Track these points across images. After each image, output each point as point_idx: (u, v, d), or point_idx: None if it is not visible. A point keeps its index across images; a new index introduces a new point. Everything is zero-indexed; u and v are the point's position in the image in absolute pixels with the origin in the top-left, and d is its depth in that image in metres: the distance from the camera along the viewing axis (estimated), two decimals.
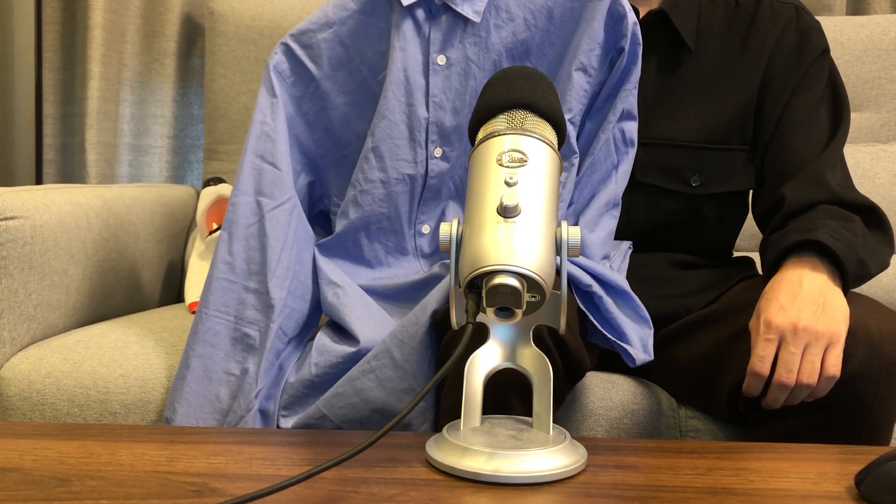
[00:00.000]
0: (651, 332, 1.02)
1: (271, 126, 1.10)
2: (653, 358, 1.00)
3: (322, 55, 1.13)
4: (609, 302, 0.99)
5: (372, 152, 1.10)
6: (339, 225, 1.13)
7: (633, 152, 1.10)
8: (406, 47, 1.09)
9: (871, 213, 1.03)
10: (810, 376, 0.87)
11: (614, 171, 1.09)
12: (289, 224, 1.07)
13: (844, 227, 0.97)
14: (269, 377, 1.02)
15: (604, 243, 1.07)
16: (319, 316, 1.12)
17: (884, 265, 1.01)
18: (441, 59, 1.09)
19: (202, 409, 1.01)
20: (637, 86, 1.08)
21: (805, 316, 0.88)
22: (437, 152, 1.11)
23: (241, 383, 1.01)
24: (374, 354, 0.99)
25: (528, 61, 1.10)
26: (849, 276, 0.94)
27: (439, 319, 0.97)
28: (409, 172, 1.10)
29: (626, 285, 1.02)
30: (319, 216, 1.21)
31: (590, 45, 1.06)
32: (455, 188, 1.13)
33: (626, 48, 1.05)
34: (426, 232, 1.14)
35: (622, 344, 0.98)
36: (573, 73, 1.06)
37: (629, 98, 1.08)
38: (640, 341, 1.00)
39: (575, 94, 1.06)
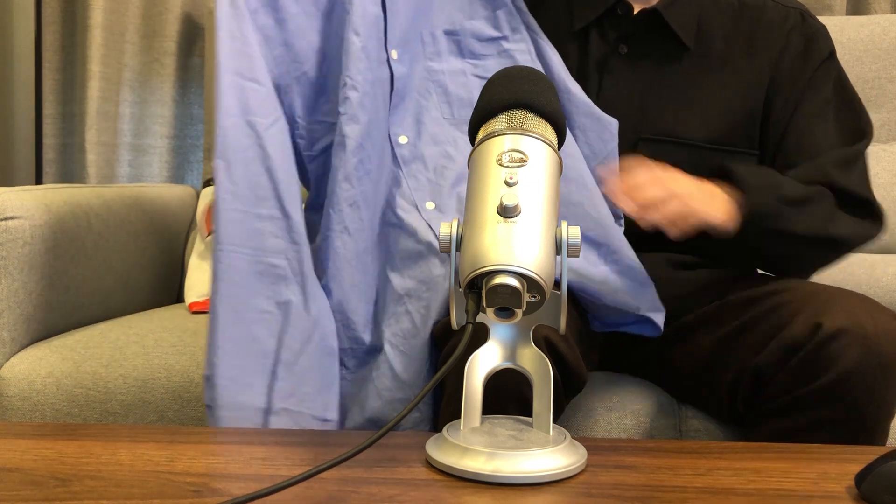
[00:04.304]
0: (654, 288, 1.03)
1: (241, 39, 0.99)
2: (664, 311, 1.02)
3: None
4: (604, 292, 0.99)
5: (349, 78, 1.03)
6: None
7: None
8: None
9: (857, 201, 1.03)
10: (653, 200, 0.89)
11: None
12: (286, 143, 1.00)
13: (796, 185, 1.00)
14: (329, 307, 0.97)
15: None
16: None
17: (840, 235, 1.04)
18: None
19: (242, 355, 0.91)
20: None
21: (688, 190, 0.92)
22: (394, 54, 1.08)
23: (285, 316, 0.93)
24: (374, 364, 0.99)
25: None
26: (751, 203, 0.97)
27: (438, 331, 0.97)
28: (380, 76, 1.06)
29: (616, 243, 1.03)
30: None
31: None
32: (419, 97, 1.10)
33: None
34: (403, 142, 1.09)
35: (637, 316, 0.99)
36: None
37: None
38: (649, 304, 1.01)
39: None
